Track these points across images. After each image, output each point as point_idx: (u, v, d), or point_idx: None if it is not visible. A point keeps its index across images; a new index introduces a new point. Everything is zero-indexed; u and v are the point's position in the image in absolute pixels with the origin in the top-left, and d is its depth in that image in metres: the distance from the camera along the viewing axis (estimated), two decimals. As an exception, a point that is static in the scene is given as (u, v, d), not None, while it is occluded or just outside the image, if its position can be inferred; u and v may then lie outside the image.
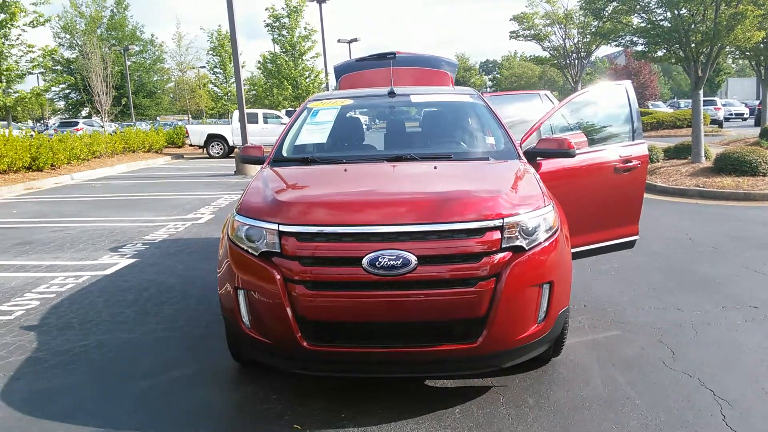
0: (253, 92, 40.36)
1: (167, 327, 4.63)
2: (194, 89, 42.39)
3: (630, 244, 5.04)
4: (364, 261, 2.95)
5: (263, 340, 3.18)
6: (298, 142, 4.48)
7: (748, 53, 18.87)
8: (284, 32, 28.45)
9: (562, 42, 22.11)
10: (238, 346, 3.58)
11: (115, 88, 24.72)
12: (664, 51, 13.02)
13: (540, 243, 3.14)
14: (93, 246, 7.53)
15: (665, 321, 4.49)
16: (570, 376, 3.62)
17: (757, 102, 37.57)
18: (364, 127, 5.20)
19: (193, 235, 8.16)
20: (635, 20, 13.60)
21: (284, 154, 4.30)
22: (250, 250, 3.19)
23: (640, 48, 13.83)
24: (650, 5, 12.62)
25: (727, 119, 36.18)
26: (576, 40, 21.94)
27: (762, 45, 17.06)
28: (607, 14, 14.23)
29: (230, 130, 22.68)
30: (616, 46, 15.11)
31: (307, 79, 28.79)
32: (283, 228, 3.10)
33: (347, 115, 4.91)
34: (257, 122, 22.26)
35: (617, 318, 4.58)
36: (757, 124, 32.13)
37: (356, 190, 3.52)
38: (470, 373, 3.42)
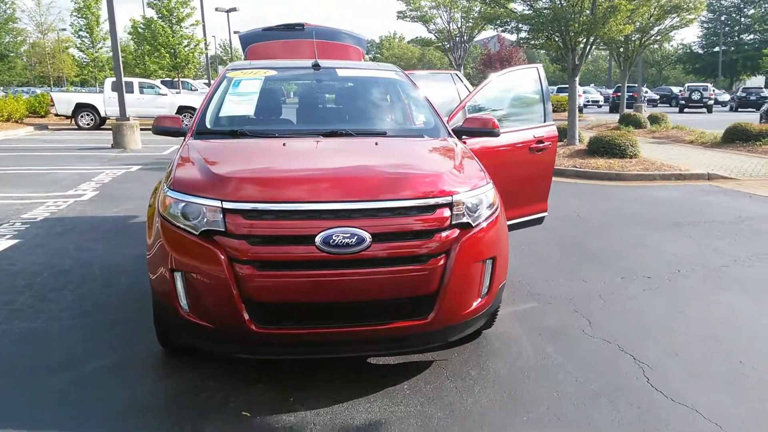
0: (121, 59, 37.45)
1: (73, 314, 4.22)
2: (55, 54, 38.52)
3: (540, 221, 5.33)
4: (318, 239, 2.86)
5: (205, 325, 2.99)
6: (222, 114, 4.22)
7: (611, 44, 20.53)
8: (161, -4, 26.62)
9: (446, 25, 22.69)
10: (171, 332, 3.35)
11: (-41, 48, 21.84)
12: (545, 39, 13.79)
13: (484, 219, 3.23)
14: (-40, 226, 6.67)
15: (575, 292, 4.82)
16: (503, 348, 3.77)
17: (611, 90, 41.18)
18: (289, 100, 5.02)
19: (78, 214, 7.49)
20: (519, 8, 14.28)
21: (208, 126, 4.03)
22: (188, 229, 2.97)
23: (523, 35, 14.56)
24: (534, -7, 13.30)
25: (585, 105, 39.17)
26: (460, 24, 22.62)
27: (621, 38, 18.61)
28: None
29: (102, 100, 20.93)
30: (502, 31, 15.78)
31: (186, 48, 27.19)
32: (227, 205, 2.92)
33: (272, 87, 4.70)
34: (133, 92, 20.73)
35: (531, 290, 4.84)
36: (613, 110, 35.29)
37: (304, 166, 3.39)
38: (421, 348, 3.46)
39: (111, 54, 30.85)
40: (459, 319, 3.17)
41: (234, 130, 3.91)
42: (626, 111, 23.56)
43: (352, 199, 2.97)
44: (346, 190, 3.02)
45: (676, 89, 45.47)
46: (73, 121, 21.26)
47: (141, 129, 15.82)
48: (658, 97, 45.67)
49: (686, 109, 36.58)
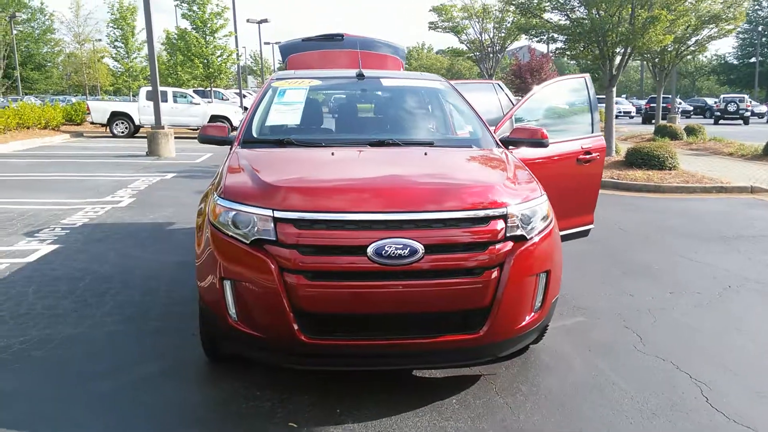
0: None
1: (116, 320, 4.23)
2: (90, 63, 39.39)
3: (586, 233, 5.21)
4: (369, 250, 2.80)
5: (254, 334, 2.95)
6: (268, 123, 4.21)
7: (647, 55, 20.21)
8: (195, 8, 27.02)
9: (478, 36, 22.62)
10: (219, 341, 3.32)
11: (1, 58, 22.43)
12: (582, 48, 13.63)
13: (539, 232, 3.14)
14: (4, 230, 6.78)
15: (622, 307, 4.67)
16: (553, 363, 3.66)
17: (644, 102, 40.54)
18: (335, 109, 5.00)
19: (116, 220, 7.57)
20: (554, 18, 14.14)
21: (254, 135, 4.02)
22: (239, 238, 2.94)
23: (558, 45, 14.40)
24: (571, 2, 13.13)
25: (617, 116, 38.53)
26: (492, 35, 22.53)
27: (658, 48, 18.30)
28: (526, 7, 14.62)
29: (137, 108, 21.31)
30: (537, 41, 15.67)
31: (219, 59, 27.59)
32: (278, 214, 2.89)
33: (317, 96, 4.68)
34: (167, 101, 21.03)
35: (578, 304, 4.71)
36: (645, 122, 34.69)
37: (354, 176, 3.34)
38: (471, 363, 3.37)
39: (145, 64, 31.45)
40: (511, 333, 3.08)
41: (281, 139, 3.89)
42: (661, 122, 23.14)
43: (405, 209, 2.91)
44: (398, 201, 2.96)
45: (710, 100, 44.56)
46: (108, 129, 21.67)
47: (174, 137, 16.03)
48: (691, 108, 44.81)
49: (721, 121, 35.79)
